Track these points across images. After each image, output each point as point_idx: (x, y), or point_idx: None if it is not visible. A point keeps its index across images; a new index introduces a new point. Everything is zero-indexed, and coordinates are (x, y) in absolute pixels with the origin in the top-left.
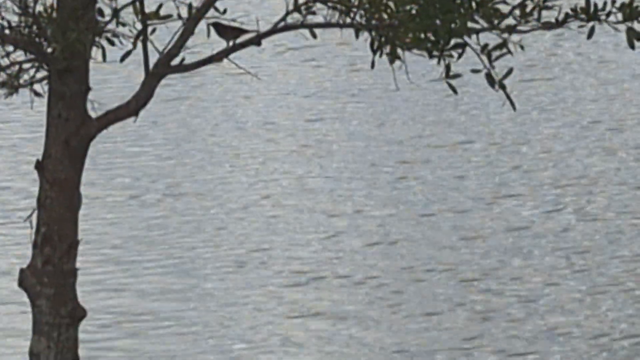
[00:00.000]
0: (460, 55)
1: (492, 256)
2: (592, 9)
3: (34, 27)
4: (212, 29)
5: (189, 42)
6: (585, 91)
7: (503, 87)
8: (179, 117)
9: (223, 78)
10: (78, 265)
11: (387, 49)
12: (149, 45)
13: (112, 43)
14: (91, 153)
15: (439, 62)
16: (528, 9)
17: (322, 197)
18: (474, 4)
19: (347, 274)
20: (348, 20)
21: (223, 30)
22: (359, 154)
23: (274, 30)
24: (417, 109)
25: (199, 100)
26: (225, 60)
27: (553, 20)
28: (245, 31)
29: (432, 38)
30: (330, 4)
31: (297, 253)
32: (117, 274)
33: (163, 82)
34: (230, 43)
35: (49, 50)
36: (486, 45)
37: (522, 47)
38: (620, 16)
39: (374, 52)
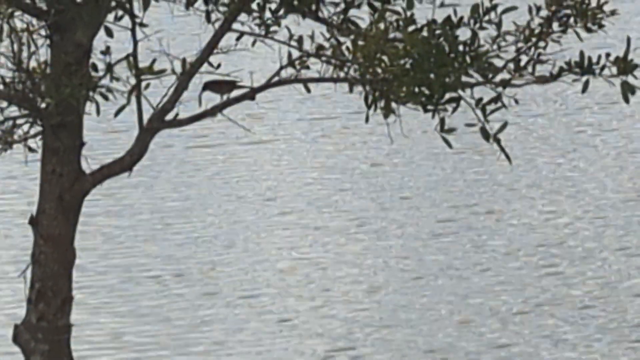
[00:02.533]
0: (454, 109)
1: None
2: (586, 62)
3: (28, 83)
4: (205, 92)
5: (183, 97)
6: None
7: (498, 140)
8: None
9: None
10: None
11: (382, 103)
12: (143, 100)
13: (106, 98)
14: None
15: (433, 116)
16: (522, 63)
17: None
18: (468, 58)
19: None
20: (342, 74)
21: (216, 87)
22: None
23: (268, 85)
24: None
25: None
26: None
27: (547, 74)
28: (237, 84)
29: (427, 92)
30: (324, 59)
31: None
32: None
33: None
34: (225, 97)
35: (43, 105)
36: (480, 99)
37: (516, 101)
38: (614, 70)
39: (369, 106)
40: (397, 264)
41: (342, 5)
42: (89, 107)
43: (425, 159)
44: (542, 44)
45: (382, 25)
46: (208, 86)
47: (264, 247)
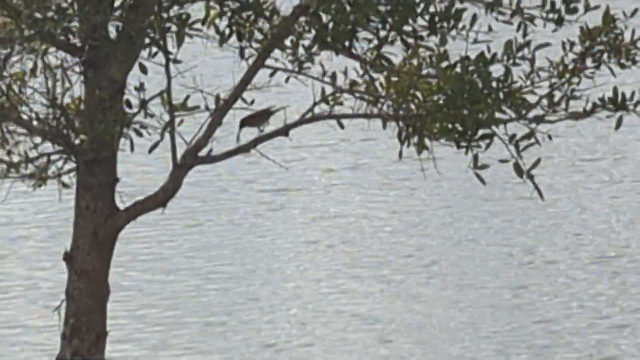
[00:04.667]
0: (488, 146)
1: None
2: (620, 98)
3: (62, 119)
4: (242, 129)
5: (217, 133)
6: None
7: (531, 177)
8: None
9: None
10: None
11: (415, 139)
12: (177, 137)
13: (140, 134)
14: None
15: (466, 153)
16: (556, 99)
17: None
18: (501, 95)
19: None
20: (375, 110)
21: (252, 121)
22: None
23: (301, 121)
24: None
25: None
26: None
27: (581, 110)
28: (273, 111)
29: (460, 128)
30: (357, 95)
31: None
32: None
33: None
34: (262, 128)
35: (77, 141)
36: (514, 135)
37: (550, 137)
38: None
39: (402, 142)
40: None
41: (376, 42)
42: (123, 143)
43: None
44: (575, 80)
45: (415, 62)
46: (245, 122)
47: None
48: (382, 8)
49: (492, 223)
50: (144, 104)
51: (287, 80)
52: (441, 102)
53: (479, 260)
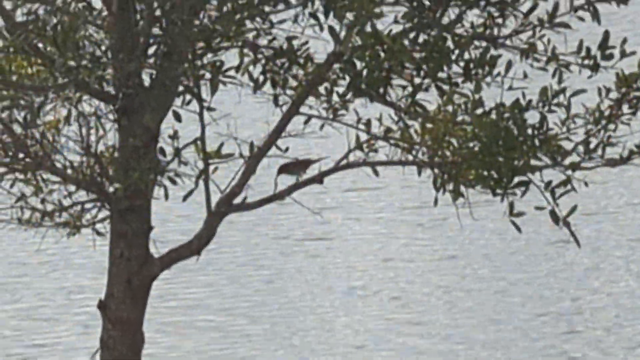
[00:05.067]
0: (524, 193)
1: None
2: None
3: (96, 167)
4: (280, 175)
5: (251, 180)
6: None
7: (567, 224)
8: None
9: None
10: None
11: (450, 186)
12: (211, 184)
13: (174, 182)
14: None
15: (502, 200)
16: (592, 146)
17: None
18: (537, 141)
19: None
20: (410, 157)
21: (291, 168)
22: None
23: (336, 168)
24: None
25: None
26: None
27: (617, 156)
28: (313, 161)
29: (496, 176)
30: (392, 142)
31: None
32: None
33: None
34: (300, 178)
35: (111, 190)
36: (550, 182)
37: (586, 184)
38: None
39: (437, 189)
40: None
41: (410, 88)
42: (157, 191)
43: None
44: (611, 126)
45: (450, 108)
46: (283, 169)
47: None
48: (416, 55)
49: (530, 269)
50: (178, 151)
51: (321, 127)
52: (476, 149)
53: (519, 306)
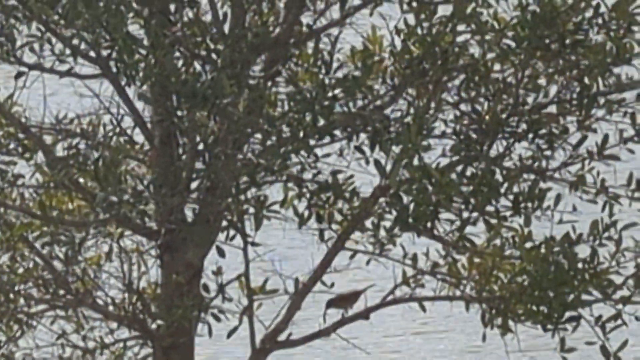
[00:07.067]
0: (575, 328)
1: None
2: None
3: (138, 304)
4: (328, 309)
5: (296, 317)
6: None
7: (618, 359)
8: None
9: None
10: None
11: (499, 321)
12: (255, 321)
13: (217, 319)
14: None
15: (553, 336)
16: None
17: None
18: (587, 276)
19: None
20: (458, 292)
21: (339, 302)
22: None
23: (382, 304)
24: None
25: None
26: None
27: None
28: (361, 291)
29: (546, 311)
30: (439, 277)
31: None
32: None
33: None
34: (349, 311)
35: (154, 327)
36: (600, 316)
37: (637, 318)
38: None
39: (485, 324)
40: None
41: (458, 223)
42: (201, 328)
43: None
44: None
45: (498, 242)
46: (332, 303)
47: None
48: (464, 188)
49: None
50: (221, 287)
51: (367, 262)
52: (525, 283)
53: None
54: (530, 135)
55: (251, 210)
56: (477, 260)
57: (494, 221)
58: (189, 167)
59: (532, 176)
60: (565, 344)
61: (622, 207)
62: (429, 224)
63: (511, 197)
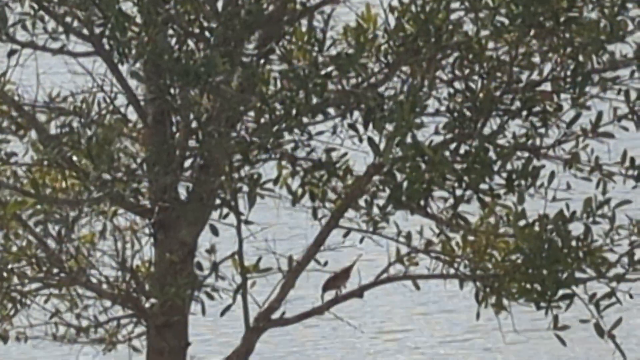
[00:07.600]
0: (568, 306)
1: None
2: None
3: (132, 282)
4: (326, 292)
5: (290, 295)
6: None
7: (612, 337)
8: None
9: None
10: None
11: (493, 299)
12: (249, 299)
13: (211, 297)
14: None
15: (546, 314)
16: (636, 257)
17: None
18: (581, 253)
19: None
20: (452, 270)
21: (333, 283)
22: None
23: (376, 282)
24: None
25: None
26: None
27: None
28: (350, 267)
29: (539, 288)
30: (433, 255)
31: None
32: None
33: None
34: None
35: (147, 305)
36: (594, 294)
37: (631, 296)
38: None
39: (479, 302)
40: None
41: (452, 201)
42: (194, 306)
43: None
44: None
45: (492, 220)
46: (327, 287)
47: None
48: (458, 166)
49: None
50: (215, 266)
51: (361, 240)
52: (519, 261)
53: None
54: (524, 113)
55: (245, 188)
56: (470, 238)
57: (487, 199)
58: (182, 145)
59: (526, 154)
60: (558, 321)
61: (615, 185)
62: (422, 202)
63: (505, 174)
